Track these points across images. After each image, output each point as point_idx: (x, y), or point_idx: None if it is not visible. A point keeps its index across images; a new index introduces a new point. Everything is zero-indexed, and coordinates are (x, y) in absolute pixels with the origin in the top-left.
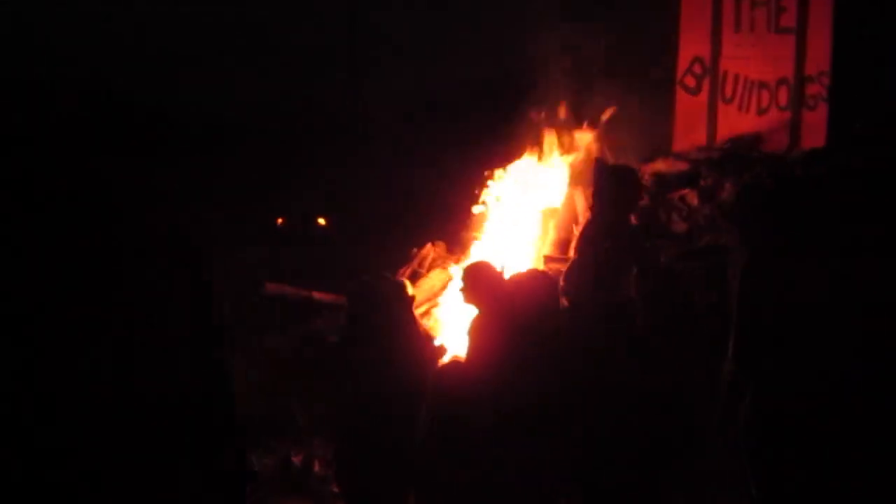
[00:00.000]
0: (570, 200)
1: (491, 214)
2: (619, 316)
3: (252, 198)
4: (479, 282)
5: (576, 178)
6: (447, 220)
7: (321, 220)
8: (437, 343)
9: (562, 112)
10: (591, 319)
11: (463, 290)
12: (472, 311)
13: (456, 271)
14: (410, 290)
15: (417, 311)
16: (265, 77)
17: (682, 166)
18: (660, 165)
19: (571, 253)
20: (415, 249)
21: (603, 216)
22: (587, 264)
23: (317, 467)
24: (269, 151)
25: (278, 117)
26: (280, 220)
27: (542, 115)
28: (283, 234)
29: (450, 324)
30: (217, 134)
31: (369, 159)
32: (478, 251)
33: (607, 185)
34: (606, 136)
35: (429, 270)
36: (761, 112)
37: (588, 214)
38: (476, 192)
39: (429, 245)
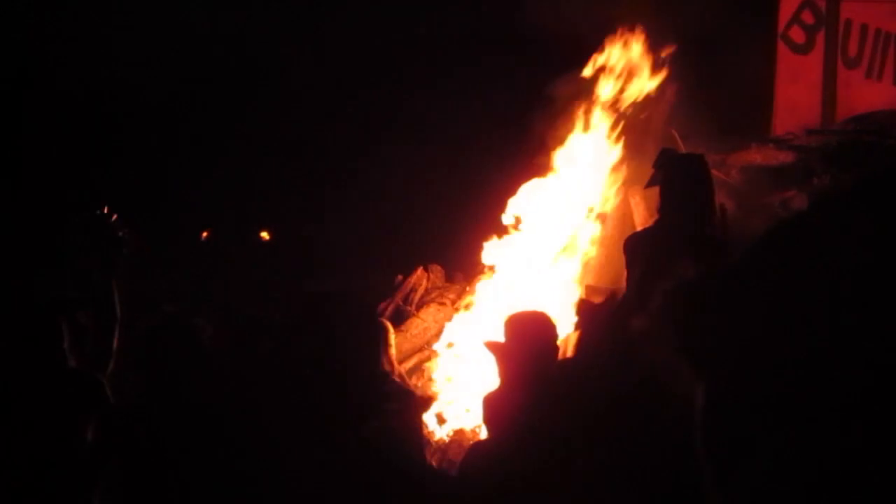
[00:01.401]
0: (623, 208)
1: (512, 226)
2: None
3: (169, 203)
4: (534, 343)
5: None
6: (447, 234)
7: (264, 234)
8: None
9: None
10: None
11: (507, 345)
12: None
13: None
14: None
15: (404, 365)
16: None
17: (785, 157)
18: (754, 156)
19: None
20: (400, 276)
21: (669, 223)
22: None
23: None
24: (191, 138)
25: (201, 90)
26: (205, 234)
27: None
28: (210, 253)
29: (450, 382)
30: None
31: (334, 148)
32: (493, 281)
33: (665, 180)
34: (676, 115)
35: (419, 307)
36: None
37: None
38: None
39: (419, 270)
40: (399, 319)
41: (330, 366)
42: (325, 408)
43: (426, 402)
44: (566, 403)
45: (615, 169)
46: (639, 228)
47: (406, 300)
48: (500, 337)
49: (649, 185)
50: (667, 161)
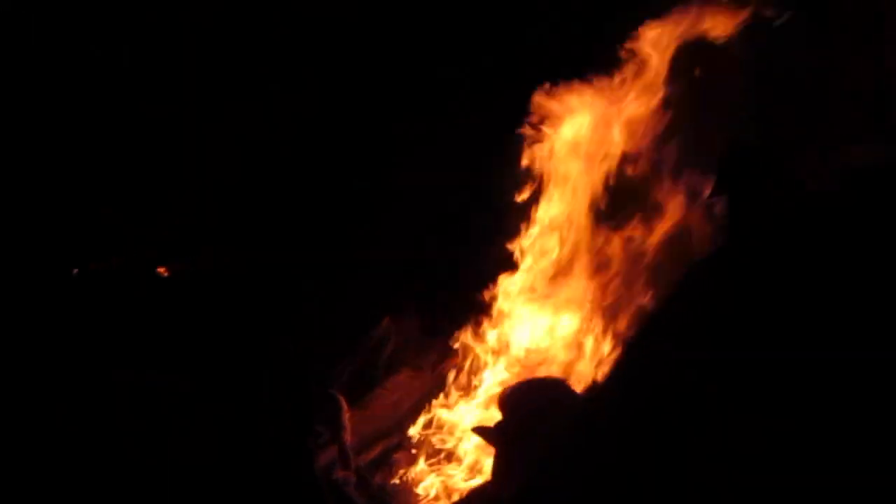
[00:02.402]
0: (680, 225)
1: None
2: None
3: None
4: (548, 426)
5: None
6: (429, 268)
7: (161, 270)
8: None
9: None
10: None
11: (508, 430)
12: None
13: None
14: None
15: (364, 456)
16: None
17: None
18: (857, 153)
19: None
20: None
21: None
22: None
23: None
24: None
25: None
26: (75, 271)
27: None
28: (82, 294)
29: (432, 481)
30: None
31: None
32: (493, 334)
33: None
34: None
35: (387, 373)
36: None
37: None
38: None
39: (386, 321)
40: (358, 390)
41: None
42: None
43: None
44: None
45: (670, 170)
46: (700, 254)
47: (369, 363)
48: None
49: (714, 195)
50: (738, 162)
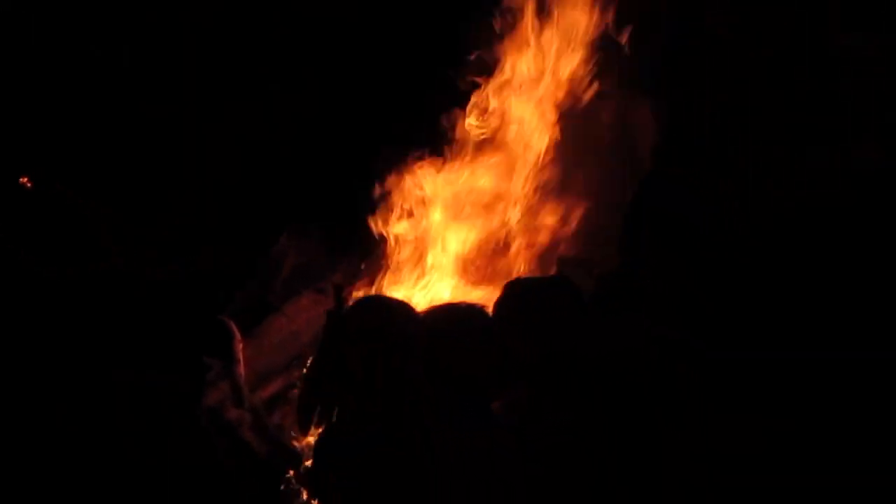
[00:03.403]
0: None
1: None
2: None
3: None
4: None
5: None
6: (332, 173)
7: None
8: None
9: None
10: None
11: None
12: None
13: None
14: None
15: (259, 393)
16: None
17: None
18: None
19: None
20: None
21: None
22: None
23: None
24: None
25: None
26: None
27: None
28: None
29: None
30: None
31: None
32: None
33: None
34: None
35: (284, 297)
36: None
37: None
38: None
39: (283, 237)
40: (253, 317)
41: None
42: None
43: (294, 454)
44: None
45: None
46: (646, 160)
47: (264, 286)
48: None
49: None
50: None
